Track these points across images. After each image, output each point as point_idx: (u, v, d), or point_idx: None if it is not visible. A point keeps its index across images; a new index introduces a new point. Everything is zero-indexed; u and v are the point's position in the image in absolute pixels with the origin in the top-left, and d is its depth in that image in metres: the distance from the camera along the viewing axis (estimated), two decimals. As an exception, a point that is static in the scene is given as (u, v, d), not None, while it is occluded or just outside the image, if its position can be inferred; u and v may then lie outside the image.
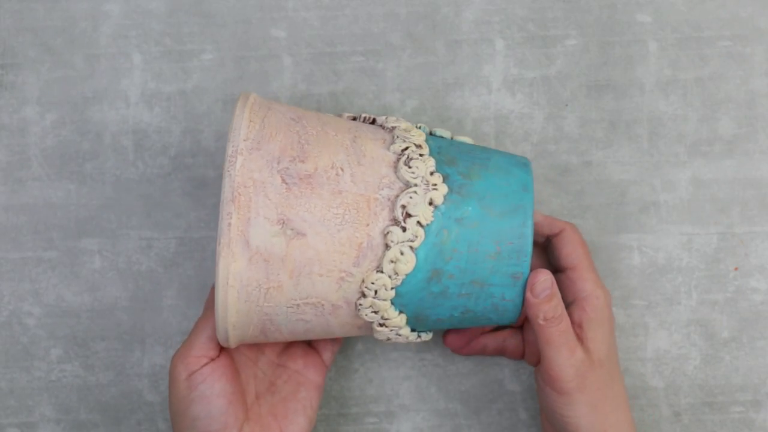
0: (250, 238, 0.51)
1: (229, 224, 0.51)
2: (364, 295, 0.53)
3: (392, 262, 0.52)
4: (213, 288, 0.59)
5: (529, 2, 0.66)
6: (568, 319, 0.56)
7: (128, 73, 0.67)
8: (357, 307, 0.54)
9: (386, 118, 0.58)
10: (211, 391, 0.56)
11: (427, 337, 0.58)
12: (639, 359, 0.66)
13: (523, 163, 0.57)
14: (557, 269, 0.60)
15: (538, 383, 0.58)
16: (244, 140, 0.52)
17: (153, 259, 0.66)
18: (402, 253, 0.52)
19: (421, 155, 0.54)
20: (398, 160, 0.54)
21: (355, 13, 0.67)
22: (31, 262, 0.66)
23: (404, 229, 0.52)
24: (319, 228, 0.52)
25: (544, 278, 0.55)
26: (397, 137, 0.55)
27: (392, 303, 0.54)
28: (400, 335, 0.56)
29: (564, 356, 0.55)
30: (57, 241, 0.66)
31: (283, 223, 0.51)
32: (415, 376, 0.66)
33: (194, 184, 0.66)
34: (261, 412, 0.59)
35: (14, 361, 0.66)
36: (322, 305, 0.53)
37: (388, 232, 0.52)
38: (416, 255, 0.53)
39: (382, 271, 0.52)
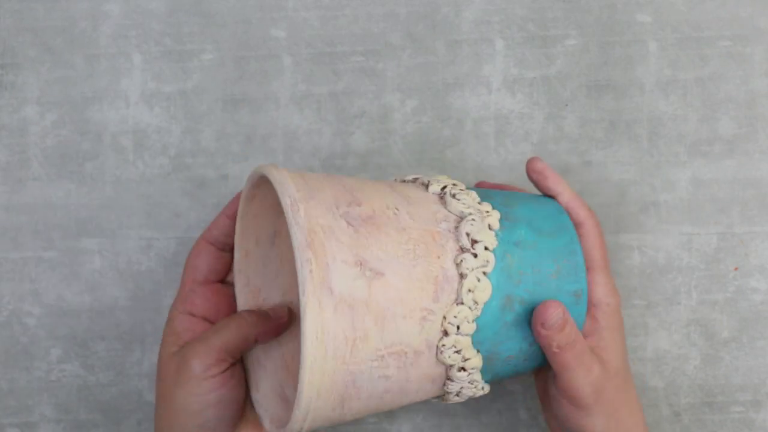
0: (332, 284, 0.48)
1: (310, 271, 0.47)
2: (446, 333, 0.52)
3: (470, 291, 0.51)
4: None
5: (529, 2, 0.66)
6: (582, 340, 0.54)
7: (128, 73, 0.67)
8: (438, 350, 0.52)
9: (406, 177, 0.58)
10: (230, 395, 0.55)
11: (487, 389, 0.57)
12: (639, 359, 0.66)
13: (542, 195, 0.58)
14: None
15: (552, 393, 0.57)
16: (298, 191, 0.50)
17: (153, 259, 0.66)
18: (479, 280, 0.52)
19: (461, 189, 0.54)
20: (442, 196, 0.54)
21: (355, 13, 0.67)
22: (31, 262, 0.66)
23: (475, 255, 0.52)
24: (395, 266, 0.50)
25: (554, 311, 0.53)
26: (430, 181, 0.56)
27: (471, 340, 0.53)
28: (472, 383, 0.55)
29: (581, 376, 0.54)
30: (57, 241, 0.66)
31: (361, 264, 0.49)
32: (415, 376, 0.66)
33: (194, 184, 0.66)
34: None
35: (14, 361, 0.66)
36: (406, 353, 0.51)
37: (461, 261, 0.51)
38: (490, 281, 0.52)
39: (462, 303, 0.52)
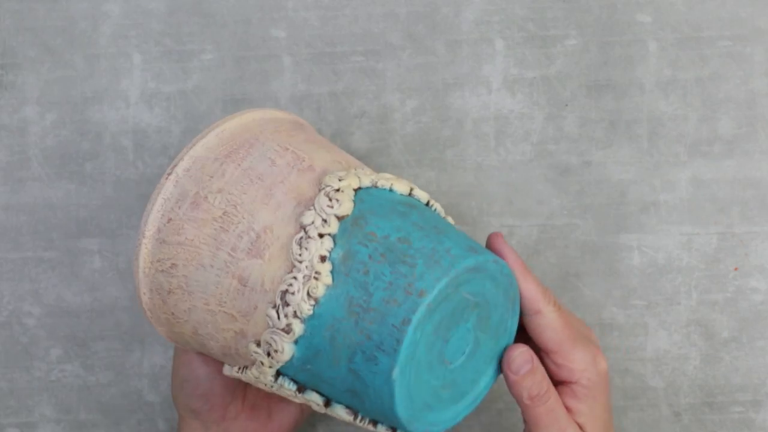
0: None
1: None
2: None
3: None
4: None
5: (529, 2, 0.66)
6: (555, 393, 0.52)
7: (128, 73, 0.67)
8: None
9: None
10: (197, 356, 0.56)
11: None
12: (639, 359, 0.66)
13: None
14: (538, 348, 0.54)
15: None
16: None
17: (153, 259, 0.66)
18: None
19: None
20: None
21: (355, 13, 0.67)
22: (31, 262, 0.66)
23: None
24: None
25: (521, 351, 0.51)
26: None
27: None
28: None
29: None
30: (57, 241, 0.66)
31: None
32: (415, 376, 0.66)
33: (194, 184, 0.66)
34: (257, 391, 0.59)
35: (14, 361, 0.66)
36: None
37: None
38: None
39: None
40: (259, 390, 0.59)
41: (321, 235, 0.49)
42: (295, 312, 0.49)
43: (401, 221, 0.50)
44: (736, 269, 0.66)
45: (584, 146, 0.66)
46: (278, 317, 0.49)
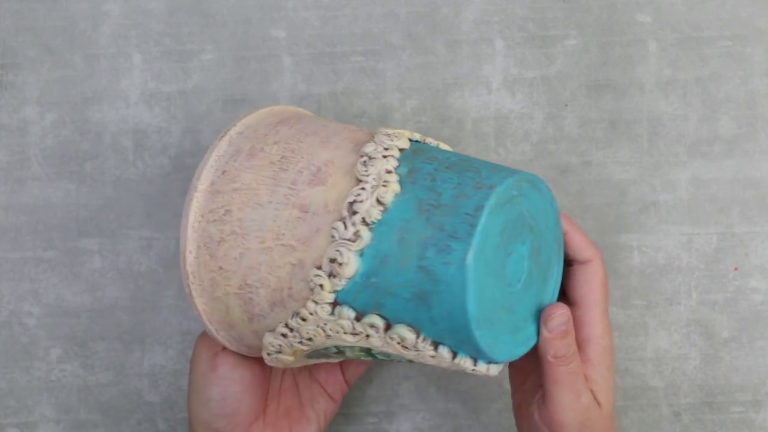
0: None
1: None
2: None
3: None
4: None
5: (529, 2, 0.66)
6: (578, 358, 0.53)
7: (128, 73, 0.67)
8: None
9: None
10: (231, 375, 0.56)
11: None
12: (639, 359, 0.66)
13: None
14: (569, 300, 0.56)
15: (535, 421, 0.55)
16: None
17: (153, 259, 0.66)
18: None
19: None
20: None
21: (355, 13, 0.67)
22: (31, 262, 0.66)
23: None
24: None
25: (561, 312, 0.52)
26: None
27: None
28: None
29: (570, 399, 0.53)
30: (57, 241, 0.66)
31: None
32: (415, 375, 0.66)
33: (194, 184, 0.66)
34: (278, 409, 0.59)
35: (14, 361, 0.66)
36: None
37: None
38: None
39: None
40: (279, 407, 0.59)
41: (384, 157, 0.51)
42: (363, 219, 0.50)
43: (457, 155, 0.53)
44: (736, 269, 0.66)
45: (584, 146, 0.66)
46: (345, 227, 0.50)
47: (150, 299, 0.66)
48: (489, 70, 0.66)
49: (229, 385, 0.56)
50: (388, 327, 0.51)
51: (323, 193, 0.51)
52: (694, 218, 0.66)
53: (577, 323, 0.55)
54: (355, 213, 0.50)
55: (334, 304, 0.51)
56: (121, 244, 0.66)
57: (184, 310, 0.66)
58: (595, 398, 0.54)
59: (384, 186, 0.50)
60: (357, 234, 0.49)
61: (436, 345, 0.51)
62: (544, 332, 0.52)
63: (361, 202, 0.50)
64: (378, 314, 0.51)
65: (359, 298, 0.50)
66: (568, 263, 0.56)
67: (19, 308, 0.66)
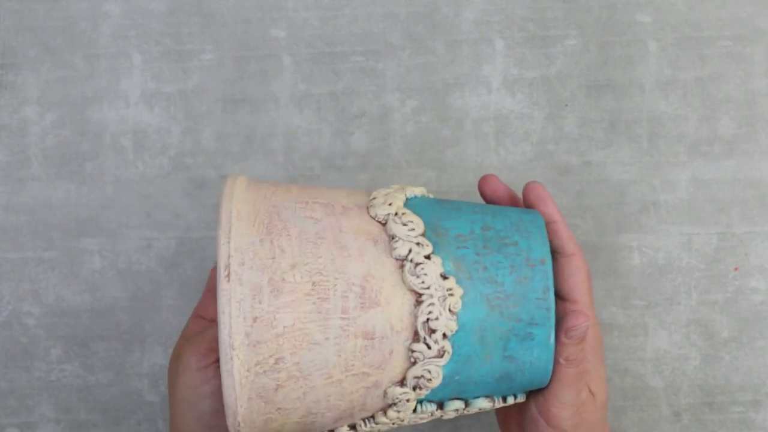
0: None
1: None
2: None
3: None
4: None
5: (529, 2, 0.66)
6: (587, 363, 0.55)
7: (128, 73, 0.67)
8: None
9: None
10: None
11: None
12: (639, 359, 0.66)
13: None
14: (556, 293, 0.56)
15: (531, 414, 0.55)
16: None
17: (153, 259, 0.66)
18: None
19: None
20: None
21: (355, 13, 0.67)
22: (31, 262, 0.66)
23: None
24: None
25: (586, 324, 0.53)
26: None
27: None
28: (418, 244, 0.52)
29: (571, 396, 0.54)
30: (57, 241, 0.66)
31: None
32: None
33: (194, 184, 0.66)
34: None
35: (14, 361, 0.66)
36: (332, 206, 0.52)
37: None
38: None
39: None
40: None
41: (427, 257, 0.50)
42: (444, 334, 0.50)
43: (463, 214, 0.53)
44: (736, 269, 0.66)
45: (584, 146, 0.66)
46: (429, 347, 0.50)
47: (150, 299, 0.66)
48: (489, 70, 0.66)
49: (222, 398, 0.55)
50: (466, 405, 0.53)
51: (382, 314, 0.49)
52: (694, 218, 0.66)
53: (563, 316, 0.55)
54: (433, 331, 0.50)
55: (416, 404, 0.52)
56: (121, 244, 0.66)
57: (184, 310, 0.66)
58: (589, 389, 0.55)
59: (451, 296, 0.50)
60: (442, 350, 0.50)
61: (505, 398, 0.54)
62: (563, 339, 0.53)
63: (436, 319, 0.49)
64: (459, 398, 0.53)
65: (440, 393, 0.52)
66: (558, 256, 0.57)
67: (19, 308, 0.66)
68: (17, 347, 0.66)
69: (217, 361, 0.55)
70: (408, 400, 0.50)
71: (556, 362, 0.53)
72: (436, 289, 0.50)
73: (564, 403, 0.54)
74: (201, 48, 0.67)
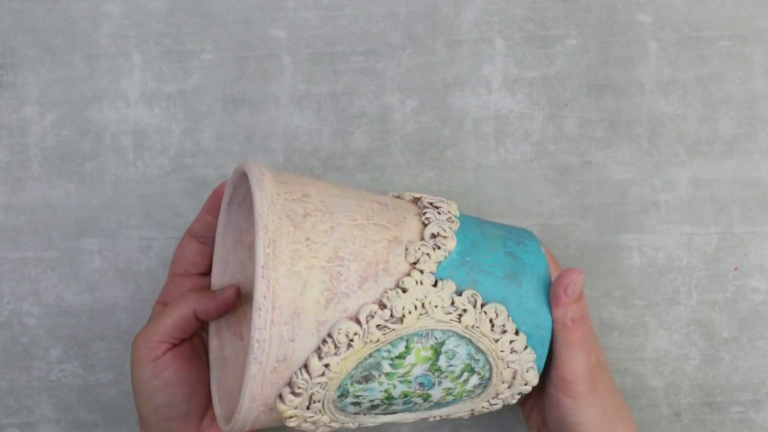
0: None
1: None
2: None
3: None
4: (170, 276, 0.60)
5: (529, 2, 0.66)
6: (590, 320, 0.56)
7: (128, 73, 0.67)
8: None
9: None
10: (175, 378, 0.55)
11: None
12: (639, 359, 0.66)
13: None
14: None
15: (549, 393, 0.56)
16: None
17: (153, 259, 0.66)
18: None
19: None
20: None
21: (355, 13, 0.67)
22: (31, 262, 0.66)
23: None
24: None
25: (580, 278, 0.54)
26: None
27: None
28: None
29: (581, 358, 0.54)
30: (57, 241, 0.66)
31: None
32: (415, 376, 0.66)
33: (194, 184, 0.66)
34: None
35: (14, 361, 0.66)
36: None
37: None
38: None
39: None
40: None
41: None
42: (449, 212, 0.55)
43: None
44: (736, 269, 0.66)
45: (584, 146, 0.66)
46: (439, 213, 0.55)
47: (150, 299, 0.66)
48: (489, 70, 0.66)
49: (175, 389, 0.55)
50: (482, 304, 0.54)
51: (396, 200, 0.56)
52: (694, 218, 0.66)
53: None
54: (438, 207, 0.55)
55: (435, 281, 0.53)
56: (121, 244, 0.66)
57: (184, 310, 0.66)
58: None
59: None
60: (450, 218, 0.54)
61: (517, 332, 0.54)
62: (563, 298, 0.54)
63: (438, 207, 0.56)
64: (474, 290, 0.54)
65: (456, 275, 0.53)
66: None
67: (19, 308, 0.66)
68: (17, 347, 0.66)
69: (168, 351, 0.55)
70: (429, 255, 0.52)
71: (563, 327, 0.54)
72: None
73: (577, 365, 0.54)
74: (201, 48, 0.67)
